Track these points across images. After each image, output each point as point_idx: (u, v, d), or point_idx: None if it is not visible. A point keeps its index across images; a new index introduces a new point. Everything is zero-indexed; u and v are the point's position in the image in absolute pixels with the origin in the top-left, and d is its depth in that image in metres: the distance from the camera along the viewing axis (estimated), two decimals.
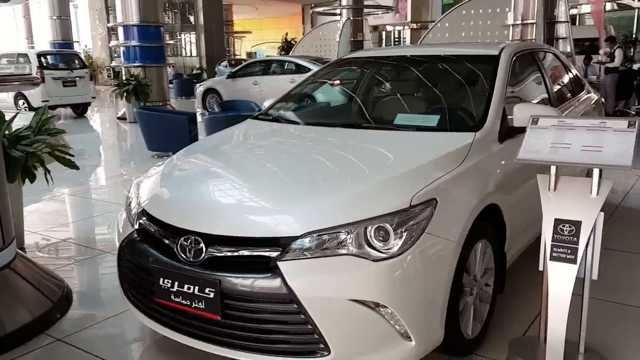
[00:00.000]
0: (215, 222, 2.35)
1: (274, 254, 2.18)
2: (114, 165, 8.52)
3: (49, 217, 5.41)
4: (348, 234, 2.17)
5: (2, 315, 2.96)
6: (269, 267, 2.17)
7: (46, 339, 2.94)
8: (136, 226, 2.62)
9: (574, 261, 2.39)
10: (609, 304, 3.15)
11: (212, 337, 2.32)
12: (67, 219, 5.38)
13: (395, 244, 2.15)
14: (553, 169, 2.48)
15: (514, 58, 3.43)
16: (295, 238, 2.18)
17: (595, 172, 2.40)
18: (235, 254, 2.25)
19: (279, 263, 2.15)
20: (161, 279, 2.37)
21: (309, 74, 4.17)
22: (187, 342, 2.40)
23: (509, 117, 3.04)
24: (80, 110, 14.52)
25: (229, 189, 2.60)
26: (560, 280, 2.42)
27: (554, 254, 2.43)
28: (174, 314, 2.42)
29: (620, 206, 5.22)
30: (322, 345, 2.15)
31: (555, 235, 2.44)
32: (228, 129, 3.49)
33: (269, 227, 2.28)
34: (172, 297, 2.34)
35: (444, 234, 2.28)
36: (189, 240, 2.33)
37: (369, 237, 2.17)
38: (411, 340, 2.19)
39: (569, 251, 2.41)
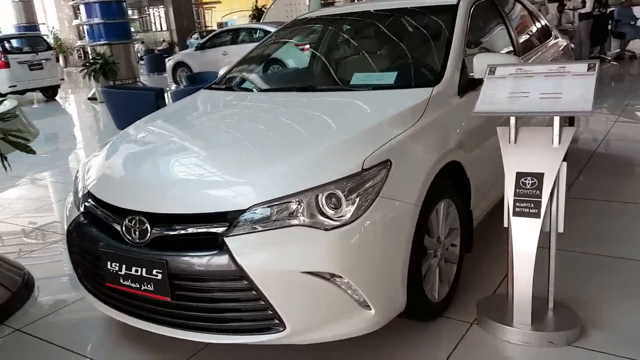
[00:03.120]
0: (158, 201, 2.23)
1: (221, 230, 2.06)
2: (85, 147, 8.30)
3: (18, 204, 5.26)
4: (298, 204, 2.05)
5: None
6: (216, 244, 2.05)
7: (5, 330, 2.83)
8: (82, 209, 2.49)
9: (537, 215, 2.30)
10: (579, 255, 3.09)
11: (165, 319, 2.22)
12: (37, 204, 5.22)
13: (348, 210, 2.04)
14: (512, 120, 2.37)
15: (473, 7, 3.28)
16: (243, 211, 2.06)
17: (556, 120, 2.29)
18: (181, 232, 2.14)
19: (226, 239, 2.03)
20: (108, 263, 2.26)
21: (265, 37, 3.98)
22: (140, 326, 2.30)
23: (470, 69, 2.91)
24: (50, 93, 14.14)
25: (173, 165, 2.45)
26: (524, 236, 2.34)
27: (517, 209, 2.34)
28: (125, 298, 2.31)
29: (596, 153, 5.14)
30: (276, 321, 2.06)
31: (518, 190, 2.35)
32: (178, 102, 3.33)
33: (215, 201, 2.16)
34: (121, 280, 2.23)
35: (400, 196, 2.17)
36: (133, 221, 2.21)
37: (320, 206, 2.05)
38: (370, 309, 2.11)
39: (532, 205, 2.32)
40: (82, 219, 2.47)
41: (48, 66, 13.58)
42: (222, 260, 2.03)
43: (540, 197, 2.31)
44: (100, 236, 2.34)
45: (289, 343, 2.14)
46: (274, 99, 3.05)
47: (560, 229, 2.39)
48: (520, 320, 2.40)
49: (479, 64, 2.81)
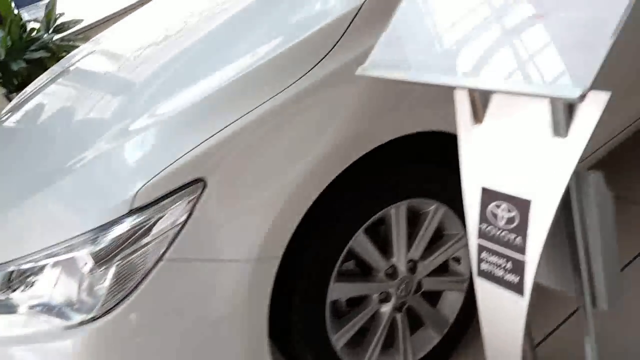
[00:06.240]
0: None
1: None
2: None
3: None
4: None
5: None
6: None
7: None
8: None
9: (517, 287, 1.06)
10: None
11: None
12: None
13: (91, 303, 1.11)
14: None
15: None
16: None
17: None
18: None
19: None
20: None
21: None
22: None
23: None
24: None
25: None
26: (498, 317, 1.13)
27: (483, 267, 1.12)
28: None
29: None
30: None
31: (484, 227, 1.10)
32: None
33: None
34: None
35: (216, 252, 1.17)
36: None
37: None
38: None
39: (508, 264, 1.06)
40: None
41: None
42: None
43: (523, 250, 1.03)
44: None
45: None
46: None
47: (604, 305, 1.08)
48: None
49: None
